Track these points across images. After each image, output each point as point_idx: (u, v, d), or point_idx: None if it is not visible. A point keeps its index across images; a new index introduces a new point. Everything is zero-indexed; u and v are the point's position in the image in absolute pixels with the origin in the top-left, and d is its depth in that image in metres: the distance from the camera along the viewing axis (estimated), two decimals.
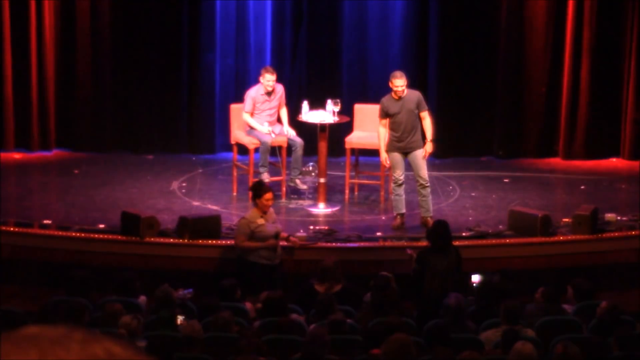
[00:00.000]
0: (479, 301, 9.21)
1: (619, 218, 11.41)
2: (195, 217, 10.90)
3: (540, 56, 13.92)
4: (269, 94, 12.10)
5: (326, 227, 11.19)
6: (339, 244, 10.75)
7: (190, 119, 14.11)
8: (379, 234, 11.21)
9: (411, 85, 11.33)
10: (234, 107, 12.50)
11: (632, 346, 7.69)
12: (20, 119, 13.75)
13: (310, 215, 11.72)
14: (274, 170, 12.26)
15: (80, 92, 13.93)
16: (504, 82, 14.01)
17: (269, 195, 10.15)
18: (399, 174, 11.14)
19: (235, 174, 12.41)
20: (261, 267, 10.05)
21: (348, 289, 9.66)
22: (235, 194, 12.34)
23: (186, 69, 14.01)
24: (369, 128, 12.02)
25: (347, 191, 12.24)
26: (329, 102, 11.77)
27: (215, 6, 13.92)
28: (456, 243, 10.20)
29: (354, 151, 12.40)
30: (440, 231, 9.83)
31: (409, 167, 11.22)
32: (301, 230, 10.93)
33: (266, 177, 11.90)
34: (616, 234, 11.05)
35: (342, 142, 12.46)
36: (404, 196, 11.24)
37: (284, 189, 12.15)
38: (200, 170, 13.40)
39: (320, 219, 11.62)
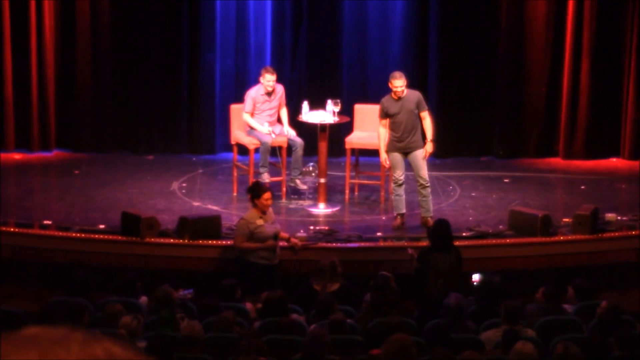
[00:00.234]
0: (479, 301, 9.20)
1: (619, 218, 11.41)
2: (195, 218, 10.90)
3: (540, 56, 13.91)
4: (269, 94, 12.09)
5: (326, 228, 11.19)
6: (339, 244, 10.75)
7: (190, 119, 14.10)
8: (379, 234, 11.21)
9: (411, 85, 11.32)
10: (234, 108, 12.49)
11: (632, 346, 7.69)
12: (20, 120, 13.74)
13: (311, 215, 11.72)
14: (274, 171, 12.26)
15: (80, 92, 13.92)
16: (504, 82, 14.01)
17: (267, 195, 10.15)
18: (399, 174, 11.14)
19: (235, 174, 12.41)
20: (260, 267, 10.05)
21: (348, 288, 9.65)
22: (235, 194, 12.33)
23: (186, 69, 14.01)
24: (369, 128, 12.01)
25: (347, 191, 12.24)
26: (329, 102, 11.76)
27: (215, 6, 13.91)
28: (456, 243, 10.21)
29: (354, 151, 12.39)
30: (441, 231, 9.83)
31: (409, 167, 11.22)
32: (301, 231, 10.93)
33: (266, 178, 11.90)
34: (616, 233, 11.04)
35: (342, 143, 12.46)
36: (404, 196, 11.24)
37: (284, 189, 12.15)
38: (201, 171, 13.39)
39: (321, 219, 11.62)
